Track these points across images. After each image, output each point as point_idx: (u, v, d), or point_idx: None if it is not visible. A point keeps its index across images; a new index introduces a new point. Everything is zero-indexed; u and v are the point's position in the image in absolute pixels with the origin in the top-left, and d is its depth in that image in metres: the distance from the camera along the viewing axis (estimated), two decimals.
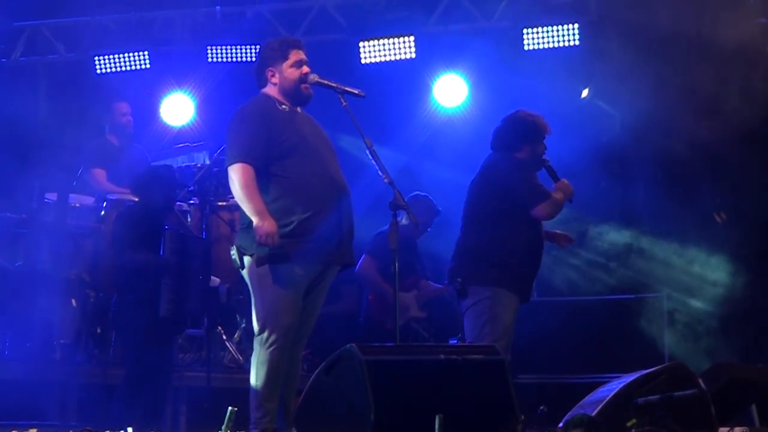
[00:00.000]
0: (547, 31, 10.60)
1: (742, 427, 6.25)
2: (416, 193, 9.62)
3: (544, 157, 7.54)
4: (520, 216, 7.39)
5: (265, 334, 6.33)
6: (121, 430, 5.59)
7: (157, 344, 7.78)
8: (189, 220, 9.29)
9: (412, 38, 10.88)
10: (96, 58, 11.18)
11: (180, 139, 11.20)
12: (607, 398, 6.37)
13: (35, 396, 8.31)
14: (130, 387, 7.70)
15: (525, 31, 10.63)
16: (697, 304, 10.43)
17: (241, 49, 11.04)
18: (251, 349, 6.55)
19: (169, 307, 7.74)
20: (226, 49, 11.08)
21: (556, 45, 10.59)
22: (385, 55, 10.96)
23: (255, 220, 6.27)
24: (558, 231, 7.74)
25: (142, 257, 7.73)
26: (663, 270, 10.59)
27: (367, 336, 9.17)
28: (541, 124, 7.55)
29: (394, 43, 10.92)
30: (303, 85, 6.59)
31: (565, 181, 7.51)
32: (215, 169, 9.46)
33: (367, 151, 6.46)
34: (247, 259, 6.40)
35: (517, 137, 7.52)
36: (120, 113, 9.54)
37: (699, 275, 10.42)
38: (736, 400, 6.81)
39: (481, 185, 7.53)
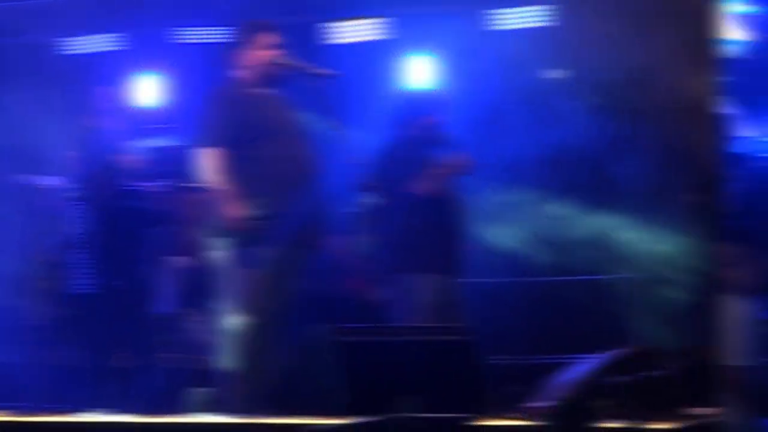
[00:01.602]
0: (517, 12, 10.61)
1: (711, 409, 6.31)
2: None
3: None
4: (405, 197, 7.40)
5: (239, 317, 6.34)
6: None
7: (103, 325, 7.65)
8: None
9: (381, 20, 10.88)
10: (63, 39, 11.11)
11: (150, 121, 11.16)
12: (575, 379, 6.43)
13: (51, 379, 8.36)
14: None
15: (494, 11, 10.63)
16: (664, 284, 10.46)
17: (211, 30, 11.01)
18: (225, 331, 6.56)
19: (79, 284, 7.63)
20: (197, 31, 11.04)
21: (527, 25, 10.59)
22: (354, 36, 10.95)
23: (223, 204, 6.28)
24: None
25: None
26: (629, 250, 10.61)
27: (360, 314, 9.10)
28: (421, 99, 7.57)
29: (362, 25, 10.92)
30: (273, 68, 6.60)
31: (457, 153, 7.48)
32: (185, 151, 9.43)
33: (336, 133, 6.49)
34: (218, 242, 6.42)
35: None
36: (103, 98, 9.47)
37: (665, 255, 10.44)
38: (706, 382, 6.88)
39: None
